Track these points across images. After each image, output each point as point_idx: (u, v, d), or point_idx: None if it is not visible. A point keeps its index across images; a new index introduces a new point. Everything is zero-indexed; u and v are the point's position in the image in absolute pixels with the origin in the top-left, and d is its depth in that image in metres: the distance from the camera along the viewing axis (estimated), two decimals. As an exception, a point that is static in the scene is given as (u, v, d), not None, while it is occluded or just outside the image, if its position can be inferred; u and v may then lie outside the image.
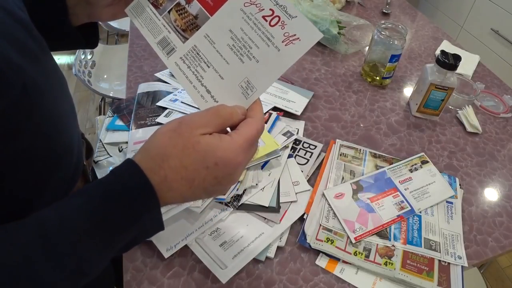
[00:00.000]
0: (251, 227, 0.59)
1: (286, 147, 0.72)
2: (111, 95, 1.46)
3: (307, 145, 0.74)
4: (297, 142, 0.74)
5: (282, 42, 0.35)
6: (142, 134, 0.64)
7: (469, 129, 0.84)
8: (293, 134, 0.74)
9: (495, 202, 0.70)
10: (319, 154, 0.73)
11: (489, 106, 0.91)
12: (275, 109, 0.80)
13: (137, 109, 0.75)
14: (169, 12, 0.42)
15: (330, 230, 0.60)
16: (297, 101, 0.84)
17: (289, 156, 0.70)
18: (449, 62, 0.76)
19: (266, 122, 0.74)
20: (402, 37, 0.87)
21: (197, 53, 0.39)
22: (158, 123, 0.66)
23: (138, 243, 0.37)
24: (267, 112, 0.77)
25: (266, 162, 0.67)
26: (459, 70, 0.96)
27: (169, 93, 0.79)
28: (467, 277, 0.57)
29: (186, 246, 0.56)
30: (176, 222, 0.58)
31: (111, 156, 0.62)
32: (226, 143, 0.34)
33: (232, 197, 0.61)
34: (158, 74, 0.88)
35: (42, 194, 0.40)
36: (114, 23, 1.83)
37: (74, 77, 1.42)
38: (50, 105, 0.39)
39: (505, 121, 0.88)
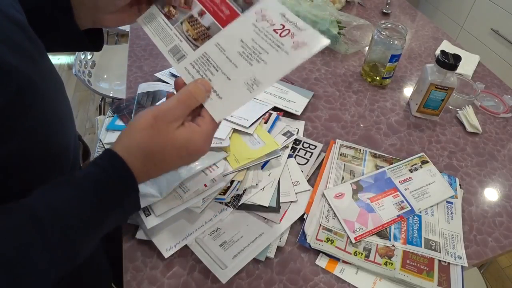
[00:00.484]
0: (251, 227, 0.59)
1: (286, 147, 0.72)
2: (111, 95, 1.46)
3: (307, 145, 0.74)
4: (297, 142, 0.74)
5: (292, 47, 0.37)
6: (142, 134, 0.65)
7: (469, 129, 0.84)
8: (293, 134, 0.74)
9: (495, 202, 0.70)
10: (319, 154, 0.73)
11: (489, 106, 0.91)
12: (275, 109, 0.80)
13: (137, 109, 0.75)
14: (181, 23, 0.44)
15: (330, 230, 0.60)
16: (297, 101, 0.84)
17: (289, 156, 0.70)
18: (449, 62, 0.76)
19: (266, 122, 0.74)
20: (402, 37, 0.87)
21: (207, 59, 0.42)
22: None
23: (118, 224, 0.41)
24: (267, 112, 0.77)
25: (266, 162, 0.67)
26: (459, 70, 0.96)
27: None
28: (467, 277, 0.57)
29: (186, 246, 0.56)
30: (176, 222, 0.58)
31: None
32: (197, 134, 0.39)
33: (232, 197, 0.61)
34: (158, 74, 0.88)
35: None
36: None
37: (74, 77, 1.42)
38: (46, 107, 0.39)
39: (505, 121, 0.88)
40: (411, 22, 1.26)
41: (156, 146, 0.38)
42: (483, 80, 1.01)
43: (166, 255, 0.55)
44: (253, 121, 0.71)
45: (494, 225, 0.65)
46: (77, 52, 1.40)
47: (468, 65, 1.03)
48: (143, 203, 0.54)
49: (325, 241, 0.58)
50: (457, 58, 0.77)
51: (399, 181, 0.68)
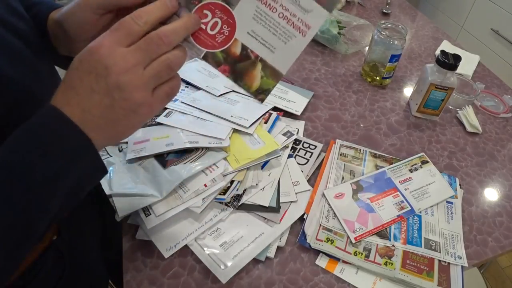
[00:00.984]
0: (251, 227, 0.59)
1: (286, 147, 0.72)
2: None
3: (307, 145, 0.74)
4: (297, 142, 0.74)
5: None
6: (142, 134, 0.64)
7: (469, 129, 0.84)
8: (293, 134, 0.74)
9: (495, 202, 0.70)
10: (319, 154, 0.73)
11: (489, 106, 0.91)
12: (275, 109, 0.80)
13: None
14: None
15: (330, 230, 0.60)
16: (297, 101, 0.84)
17: (289, 156, 0.70)
18: (449, 62, 0.76)
19: (266, 122, 0.74)
20: (402, 37, 0.87)
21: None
22: (158, 123, 0.67)
23: (84, 186, 0.36)
24: (267, 112, 0.77)
25: (266, 162, 0.67)
26: (459, 70, 0.96)
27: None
28: (467, 277, 0.57)
29: (186, 246, 0.56)
30: (176, 222, 0.58)
31: (111, 156, 0.62)
32: (92, 43, 0.32)
33: (232, 197, 0.61)
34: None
35: None
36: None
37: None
38: None
39: (505, 121, 0.88)
40: (411, 22, 1.26)
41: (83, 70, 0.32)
42: (483, 80, 1.01)
43: (166, 255, 0.55)
44: (253, 121, 0.71)
45: (494, 225, 0.65)
46: (77, 52, 1.40)
47: (468, 65, 1.03)
48: (143, 203, 0.54)
49: (325, 241, 0.58)
50: (457, 58, 0.77)
51: (399, 181, 0.68)
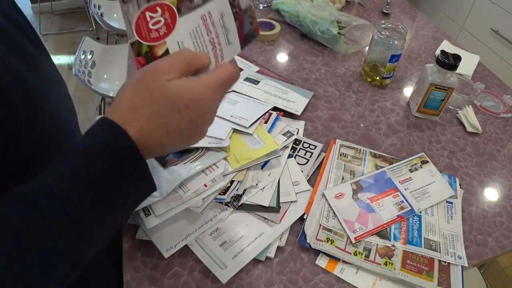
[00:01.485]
0: (251, 227, 0.59)
1: (286, 147, 0.72)
2: (111, 95, 1.46)
3: (307, 145, 0.74)
4: (297, 142, 0.74)
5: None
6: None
7: (469, 129, 0.84)
8: (293, 134, 0.74)
9: (495, 202, 0.70)
10: (319, 154, 0.73)
11: (489, 106, 0.91)
12: (275, 109, 0.80)
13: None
14: None
15: (330, 230, 0.60)
16: (297, 101, 0.84)
17: (289, 156, 0.70)
18: (449, 62, 0.76)
19: (266, 122, 0.74)
20: (402, 37, 0.87)
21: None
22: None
23: (134, 205, 0.36)
24: (267, 112, 0.77)
25: (266, 162, 0.67)
26: (459, 70, 0.96)
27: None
28: (467, 277, 0.57)
29: (186, 246, 0.56)
30: (176, 222, 0.58)
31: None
32: (194, 83, 0.34)
33: (232, 197, 0.61)
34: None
35: None
36: (114, 23, 1.83)
37: (74, 77, 1.42)
38: (51, 110, 0.39)
39: (505, 121, 0.88)
40: (411, 22, 1.26)
41: (143, 98, 0.33)
42: (483, 80, 1.01)
43: (166, 255, 0.55)
44: (253, 121, 0.71)
45: (494, 225, 0.65)
46: (77, 52, 1.40)
47: (468, 65, 1.03)
48: (143, 203, 0.54)
49: (325, 241, 0.58)
50: (457, 58, 0.77)
51: (399, 181, 0.68)
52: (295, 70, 0.96)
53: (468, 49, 1.11)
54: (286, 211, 0.62)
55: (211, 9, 0.39)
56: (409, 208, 0.64)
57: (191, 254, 0.56)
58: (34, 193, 0.30)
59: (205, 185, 0.58)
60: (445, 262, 0.58)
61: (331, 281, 0.55)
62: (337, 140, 0.75)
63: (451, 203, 0.66)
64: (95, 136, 0.32)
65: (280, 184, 0.65)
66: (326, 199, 0.64)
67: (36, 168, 0.37)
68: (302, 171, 0.68)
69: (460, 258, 0.58)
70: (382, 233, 0.60)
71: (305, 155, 0.72)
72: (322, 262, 0.57)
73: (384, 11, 1.27)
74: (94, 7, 1.78)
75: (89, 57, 1.49)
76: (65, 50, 2.61)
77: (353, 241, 0.58)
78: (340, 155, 0.72)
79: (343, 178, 0.68)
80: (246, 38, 0.42)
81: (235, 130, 0.69)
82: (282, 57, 1.01)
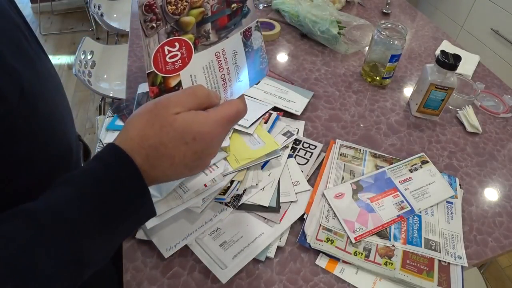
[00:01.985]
0: (251, 227, 0.59)
1: (286, 147, 0.72)
2: (111, 95, 1.46)
3: (307, 145, 0.74)
4: (297, 142, 0.74)
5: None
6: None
7: (469, 129, 0.84)
8: (293, 134, 0.74)
9: (495, 202, 0.70)
10: (319, 154, 0.73)
11: (489, 106, 0.91)
12: (275, 109, 0.80)
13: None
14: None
15: (330, 230, 0.60)
16: (297, 101, 0.84)
17: (289, 156, 0.70)
18: (449, 62, 0.76)
19: (266, 122, 0.74)
20: (402, 37, 0.87)
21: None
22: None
23: (133, 230, 0.37)
24: (267, 112, 0.77)
25: (266, 162, 0.67)
26: (459, 70, 0.96)
27: (169, 93, 0.79)
28: (467, 277, 0.57)
29: (186, 246, 0.56)
30: (176, 222, 0.58)
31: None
32: (203, 118, 0.35)
33: (232, 197, 0.61)
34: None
35: None
36: (114, 23, 1.83)
37: (74, 77, 1.42)
38: (47, 109, 0.39)
39: (505, 121, 0.88)
40: (411, 22, 1.26)
41: (152, 128, 0.34)
42: (483, 80, 1.01)
43: (166, 255, 0.55)
44: (253, 121, 0.71)
45: (494, 225, 0.65)
46: (77, 52, 1.41)
47: (468, 65, 1.03)
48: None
49: (325, 241, 0.58)
50: (457, 58, 0.77)
51: (399, 181, 0.68)
52: (295, 70, 0.96)
53: (468, 49, 1.11)
54: (286, 211, 0.62)
55: (225, 47, 0.40)
56: (409, 208, 0.64)
57: (191, 254, 0.56)
58: (39, 214, 0.31)
59: (205, 185, 0.58)
60: (445, 262, 0.58)
61: (331, 281, 0.55)
62: (337, 140, 0.75)
63: (451, 203, 0.66)
64: (103, 161, 0.34)
65: (280, 184, 0.65)
66: (326, 199, 0.64)
67: (30, 165, 0.37)
68: (302, 171, 0.68)
69: (460, 258, 0.58)
70: (382, 233, 0.60)
71: (305, 155, 0.72)
72: (322, 262, 0.57)
73: (384, 11, 1.27)
74: (94, 7, 1.78)
75: (89, 57, 1.49)
76: (65, 50, 2.61)
77: (353, 241, 0.58)
78: (340, 155, 0.72)
79: (343, 178, 0.68)
80: (255, 77, 0.44)
81: (235, 130, 0.69)
82: (282, 57, 1.01)
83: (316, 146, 0.74)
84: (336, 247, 0.58)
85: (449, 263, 0.58)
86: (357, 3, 1.30)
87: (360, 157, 0.73)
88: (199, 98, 0.36)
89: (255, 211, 0.61)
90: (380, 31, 0.88)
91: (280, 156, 0.68)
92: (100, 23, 1.80)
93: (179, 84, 0.39)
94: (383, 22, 0.91)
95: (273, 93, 0.84)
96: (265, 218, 0.60)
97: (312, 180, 0.68)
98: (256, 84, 0.45)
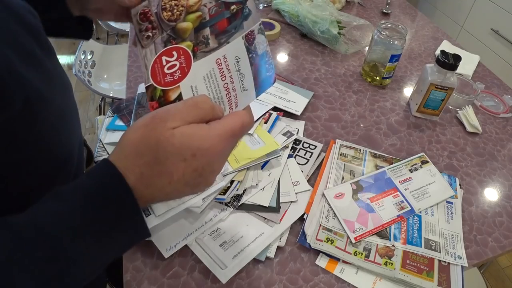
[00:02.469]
0: (251, 227, 0.59)
1: (286, 147, 0.72)
2: (111, 95, 1.46)
3: (307, 145, 0.74)
4: (297, 142, 0.74)
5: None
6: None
7: (469, 129, 0.84)
8: (293, 134, 0.74)
9: (495, 202, 0.70)
10: (319, 154, 0.73)
11: (489, 106, 0.91)
12: (275, 109, 0.80)
13: (137, 109, 0.75)
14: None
15: (330, 230, 0.60)
16: (297, 101, 0.84)
17: (289, 156, 0.70)
18: (449, 62, 0.76)
19: (266, 122, 0.74)
20: (402, 37, 0.87)
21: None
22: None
23: (125, 249, 0.35)
24: (267, 112, 0.77)
25: (266, 162, 0.67)
26: (459, 70, 0.96)
27: (169, 93, 0.79)
28: (467, 277, 0.57)
29: (186, 246, 0.56)
30: (176, 222, 0.58)
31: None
32: (204, 132, 0.32)
33: (232, 197, 0.61)
34: (158, 74, 0.88)
35: None
36: (114, 23, 1.83)
37: (74, 77, 1.42)
38: (53, 115, 0.39)
39: (505, 121, 0.88)
40: (411, 22, 1.26)
41: (148, 145, 0.31)
42: (483, 80, 1.01)
43: (166, 255, 0.55)
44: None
45: (494, 225, 0.65)
46: (77, 52, 1.41)
47: (468, 65, 1.03)
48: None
49: (325, 241, 0.58)
50: (457, 58, 0.77)
51: (399, 181, 0.68)
52: (295, 70, 0.96)
53: (468, 49, 1.11)
54: (286, 211, 0.62)
55: (227, 52, 0.37)
56: (409, 208, 0.64)
57: (191, 254, 0.56)
58: (23, 227, 0.29)
59: (205, 185, 0.58)
60: (445, 262, 0.58)
61: (331, 281, 0.55)
62: (337, 140, 0.75)
63: (451, 203, 0.66)
64: (95, 178, 0.32)
65: (280, 184, 0.65)
66: (326, 199, 0.64)
67: (30, 171, 0.37)
68: (302, 171, 0.68)
69: (460, 258, 0.58)
70: (382, 233, 0.60)
71: (305, 155, 0.72)
72: (322, 262, 0.57)
73: (384, 11, 1.27)
74: (94, 7, 1.78)
75: (89, 57, 1.49)
76: (65, 50, 2.61)
77: (353, 241, 0.58)
78: (340, 155, 0.72)
79: (343, 178, 0.68)
80: (261, 85, 0.40)
81: (235, 130, 0.69)
82: (282, 57, 1.01)
83: (316, 146, 0.74)
84: (336, 247, 0.58)
85: (449, 263, 0.58)
86: (357, 3, 1.30)
87: (360, 157, 0.73)
88: (202, 110, 0.33)
89: (255, 211, 0.61)
90: (380, 31, 0.88)
91: (280, 156, 0.68)
92: (100, 23, 1.80)
93: (179, 97, 0.36)
94: (383, 22, 0.91)
95: (273, 93, 0.84)
96: (265, 218, 0.60)
97: (312, 180, 0.68)
98: (262, 93, 0.41)
